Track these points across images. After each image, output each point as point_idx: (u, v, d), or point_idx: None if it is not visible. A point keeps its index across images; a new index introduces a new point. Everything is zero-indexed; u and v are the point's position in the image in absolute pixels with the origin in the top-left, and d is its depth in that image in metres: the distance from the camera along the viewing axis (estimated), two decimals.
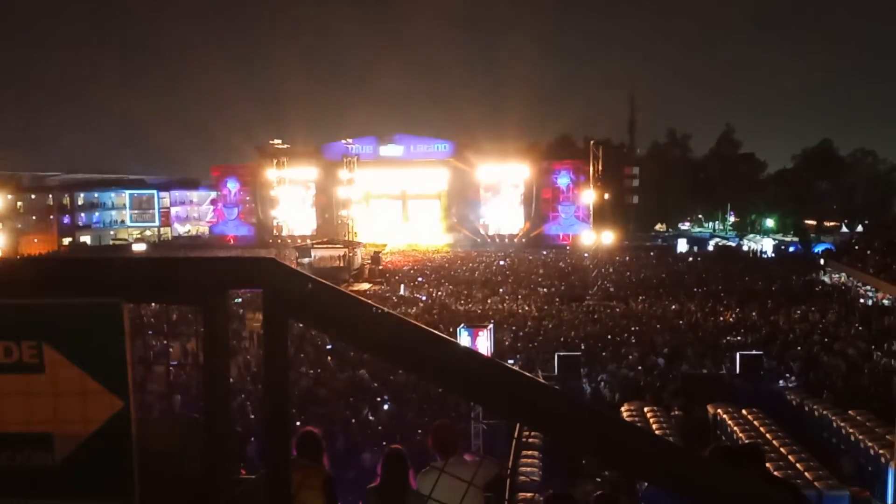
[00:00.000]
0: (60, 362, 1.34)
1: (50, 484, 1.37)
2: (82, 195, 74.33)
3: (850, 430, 14.72)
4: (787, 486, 5.96)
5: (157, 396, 1.54)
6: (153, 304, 1.48)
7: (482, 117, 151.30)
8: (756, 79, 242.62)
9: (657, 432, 14.14)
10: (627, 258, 56.01)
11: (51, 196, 71.03)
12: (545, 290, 40.20)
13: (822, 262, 51.97)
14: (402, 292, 38.90)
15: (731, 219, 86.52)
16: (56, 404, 1.35)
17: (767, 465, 11.73)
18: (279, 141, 69.87)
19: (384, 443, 12.19)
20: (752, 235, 75.06)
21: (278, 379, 1.36)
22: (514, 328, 28.15)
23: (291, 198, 69.92)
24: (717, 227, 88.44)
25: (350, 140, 68.94)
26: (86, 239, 72.79)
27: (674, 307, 33.87)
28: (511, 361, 20.51)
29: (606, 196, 71.37)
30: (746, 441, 13.21)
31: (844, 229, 76.79)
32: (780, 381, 20.73)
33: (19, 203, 67.64)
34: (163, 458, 1.40)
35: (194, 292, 1.35)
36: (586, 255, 58.41)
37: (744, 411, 16.13)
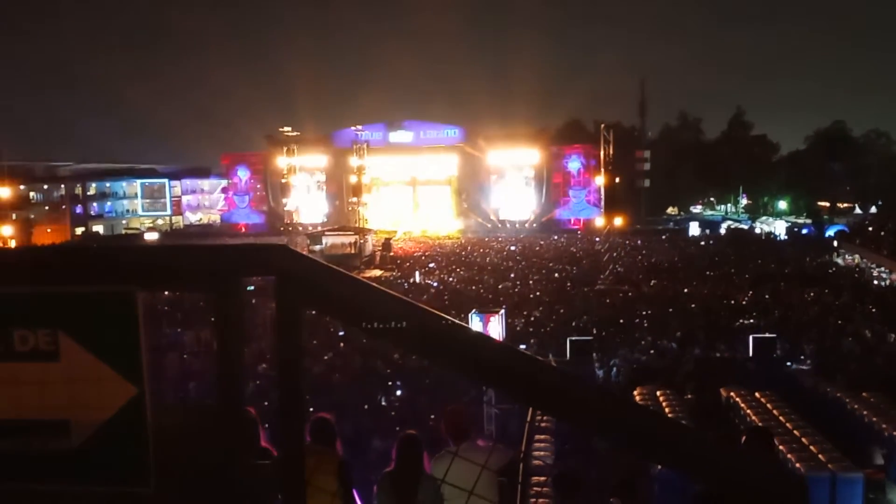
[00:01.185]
0: (76, 350, 1.35)
1: (67, 469, 1.39)
2: (94, 185, 74.64)
3: (865, 412, 14.66)
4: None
5: (171, 383, 1.55)
6: (167, 292, 1.49)
7: (492, 102, 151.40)
8: (768, 60, 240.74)
9: (670, 416, 14.13)
10: (639, 242, 55.84)
11: (63, 186, 71.35)
12: (557, 274, 40.15)
13: (835, 243, 51.67)
14: (417, 279, 38.87)
15: (744, 201, 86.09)
16: (72, 391, 1.36)
17: (781, 447, 11.73)
18: (289, 128, 69.92)
19: (398, 428, 12.24)
20: (764, 218, 74.68)
21: (292, 366, 1.37)
22: (525, 313, 28.15)
23: (302, 185, 70.01)
24: (729, 209, 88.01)
25: (360, 127, 68.89)
26: (98, 228, 73.12)
27: (686, 291, 33.76)
28: (523, 346, 20.54)
29: (617, 180, 70.97)
30: (758, 424, 13.19)
31: (858, 211, 76.34)
32: (794, 364, 20.66)
33: (32, 193, 67.98)
34: (178, 445, 1.41)
35: (207, 279, 1.35)
36: (598, 239, 58.30)
37: (757, 394, 16.07)
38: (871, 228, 52.46)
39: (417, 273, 40.40)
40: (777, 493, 1.26)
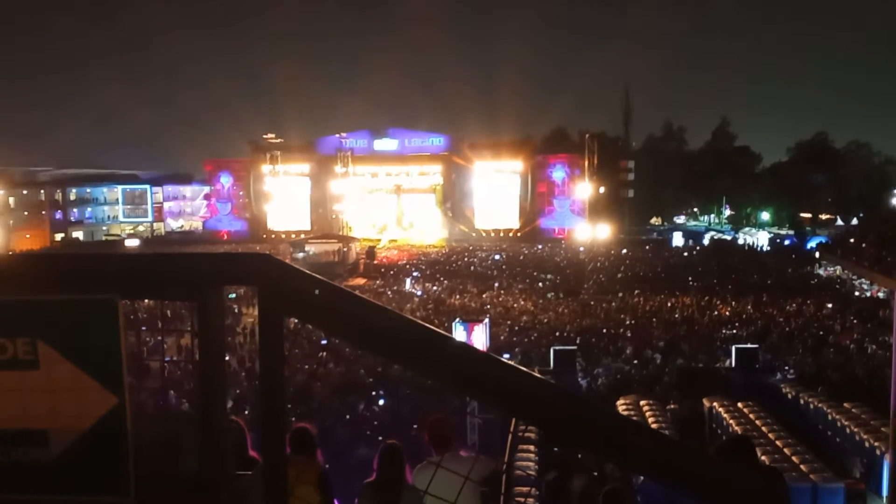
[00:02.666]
0: (55, 359, 1.34)
1: (46, 480, 1.37)
2: (74, 190, 74.07)
3: (846, 423, 14.76)
4: (775, 473, 5.98)
5: (152, 392, 1.54)
6: (147, 301, 1.48)
7: (477, 111, 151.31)
8: (751, 71, 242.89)
9: (653, 426, 14.16)
10: (623, 252, 56.02)
11: (43, 191, 70.74)
12: (541, 284, 40.23)
13: (817, 254, 52.04)
14: (408, 287, 38.67)
15: (727, 212, 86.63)
16: (51, 401, 1.35)
17: (763, 458, 11.77)
18: (272, 135, 69.80)
19: (380, 437, 12.20)
20: (747, 229, 75.22)
21: (274, 375, 1.36)
22: (509, 322, 28.18)
23: (285, 193, 69.82)
24: (712, 220, 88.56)
25: (344, 134, 68.89)
26: (78, 235, 72.57)
27: (669, 301, 33.91)
28: (507, 356, 20.53)
29: (602, 190, 71.46)
30: (738, 433, 13.24)
31: (839, 222, 76.97)
32: (776, 374, 20.77)
33: (11, 199, 67.37)
34: (158, 454, 1.39)
35: (189, 288, 1.34)
36: (581, 248, 58.47)
37: (739, 404, 16.15)
38: (852, 240, 52.88)
39: (408, 281, 40.17)
40: (761, 503, 1.26)
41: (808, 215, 77.51)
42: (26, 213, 68.27)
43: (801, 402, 17.17)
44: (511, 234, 68.83)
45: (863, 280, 41.21)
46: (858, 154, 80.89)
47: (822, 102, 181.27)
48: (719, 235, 71.00)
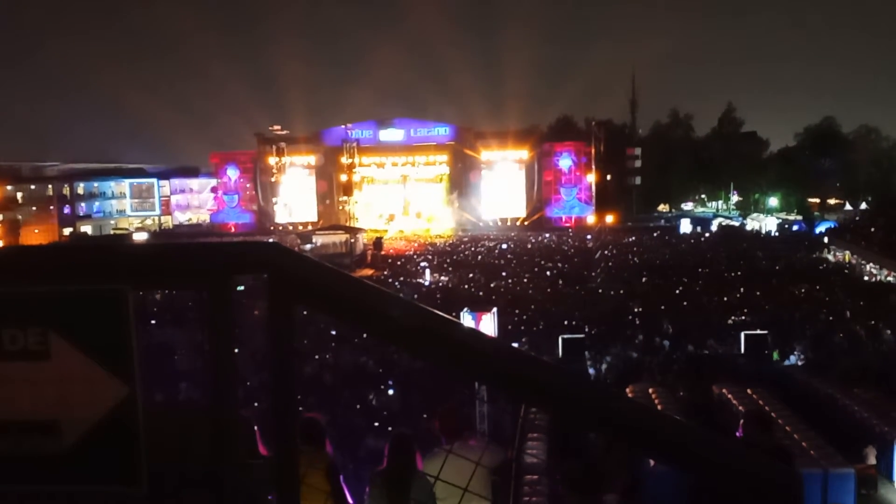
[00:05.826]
0: (66, 349, 1.34)
1: (57, 470, 1.37)
2: (82, 185, 74.07)
3: (856, 408, 14.73)
4: (786, 454, 5.98)
5: (163, 382, 1.54)
6: (158, 291, 1.48)
7: (483, 101, 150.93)
8: (758, 56, 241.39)
9: None
10: (630, 239, 55.89)
11: (50, 186, 70.85)
12: (548, 272, 40.17)
13: (826, 240, 51.88)
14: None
15: (735, 198, 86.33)
16: (62, 391, 1.35)
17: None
18: (279, 127, 69.83)
19: (389, 427, 12.23)
20: (755, 214, 74.97)
21: (284, 366, 1.36)
22: (517, 311, 28.14)
23: (292, 184, 69.88)
24: (720, 206, 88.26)
25: (350, 125, 68.87)
26: (86, 229, 72.61)
27: (678, 288, 33.82)
28: (515, 345, 20.50)
29: (608, 177, 71.30)
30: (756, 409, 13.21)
31: (848, 207, 76.65)
32: (786, 360, 20.74)
33: (19, 194, 67.55)
34: (170, 444, 1.40)
35: (199, 278, 1.34)
36: (589, 236, 58.39)
37: (749, 391, 16.11)
38: (861, 225, 52.69)
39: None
40: (772, 487, 1.26)
41: (817, 201, 77.18)
42: (35, 208, 68.43)
43: (811, 387, 17.13)
44: (518, 223, 68.74)
45: (872, 265, 41.08)
46: (867, 139, 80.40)
47: (830, 87, 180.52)
48: (727, 222, 70.81)
